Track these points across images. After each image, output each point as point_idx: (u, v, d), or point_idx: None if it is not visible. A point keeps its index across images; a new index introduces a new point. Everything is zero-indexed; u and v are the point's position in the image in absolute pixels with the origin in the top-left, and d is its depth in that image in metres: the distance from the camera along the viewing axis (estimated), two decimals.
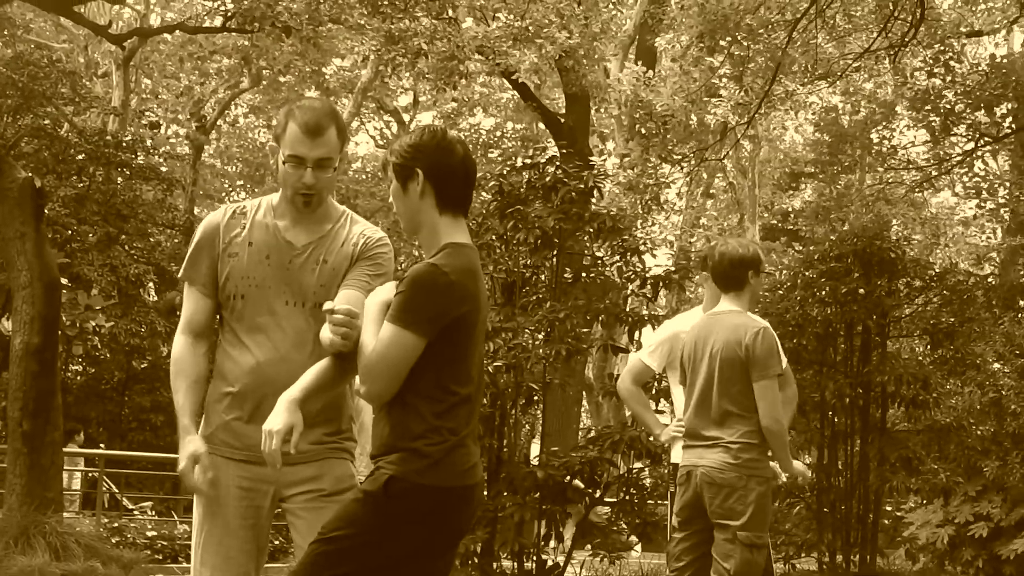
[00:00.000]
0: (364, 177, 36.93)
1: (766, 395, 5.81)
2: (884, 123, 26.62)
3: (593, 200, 11.48)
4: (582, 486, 10.50)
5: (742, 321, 5.91)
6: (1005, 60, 19.60)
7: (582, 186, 10.97)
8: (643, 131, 20.57)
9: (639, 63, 20.88)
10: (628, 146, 20.05)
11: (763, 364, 5.81)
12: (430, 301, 3.64)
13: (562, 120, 22.45)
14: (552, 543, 11.00)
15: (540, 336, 10.68)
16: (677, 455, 6.39)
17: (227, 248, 4.12)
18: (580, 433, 15.01)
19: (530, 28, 17.71)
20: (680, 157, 19.43)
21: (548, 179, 10.99)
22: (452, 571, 3.93)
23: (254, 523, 4.10)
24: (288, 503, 4.12)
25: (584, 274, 11.34)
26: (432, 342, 3.66)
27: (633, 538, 12.06)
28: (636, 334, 11.02)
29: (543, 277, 11.27)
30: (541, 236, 10.67)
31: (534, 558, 10.57)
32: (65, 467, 17.48)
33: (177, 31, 22.56)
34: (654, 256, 11.52)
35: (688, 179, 23.13)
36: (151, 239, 23.25)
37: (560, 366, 10.76)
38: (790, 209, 34.49)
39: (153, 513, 17.38)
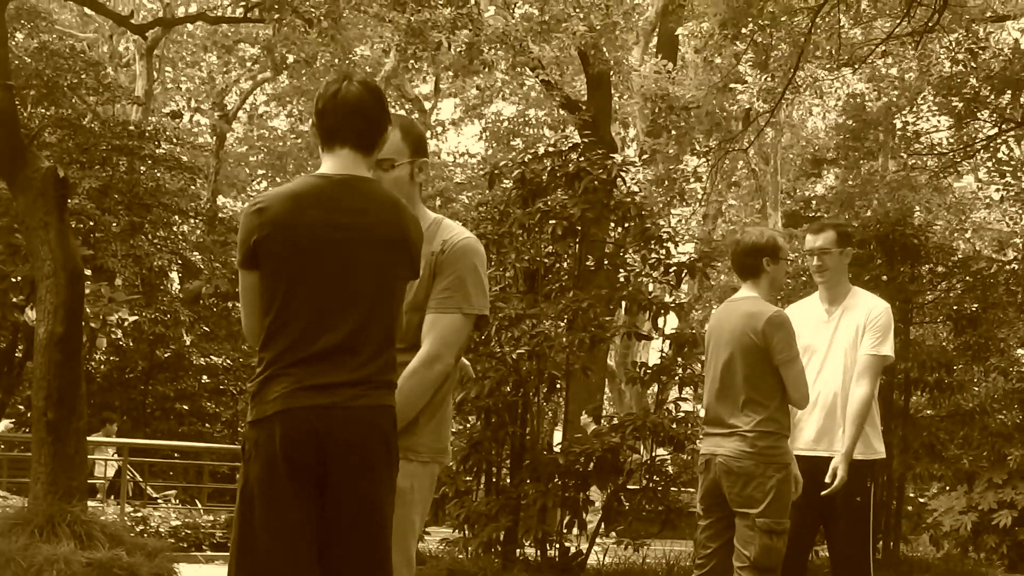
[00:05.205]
0: None
1: (790, 374, 5.83)
2: (908, 108, 26.46)
3: (616, 188, 11.49)
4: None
5: (757, 308, 5.93)
6: None
7: (604, 176, 10.97)
8: (667, 124, 20.47)
9: (659, 55, 20.80)
10: (656, 143, 19.96)
11: (781, 347, 5.82)
12: (240, 234, 3.67)
13: (583, 107, 22.39)
14: (575, 530, 11.01)
15: (563, 324, 10.69)
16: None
17: None
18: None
19: (550, 22, 17.57)
20: (706, 150, 19.34)
21: (571, 167, 11.00)
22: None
23: None
24: None
25: (606, 262, 11.34)
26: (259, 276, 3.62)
27: None
28: (660, 321, 11.02)
29: (566, 265, 11.27)
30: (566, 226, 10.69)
31: (557, 545, 10.58)
32: (98, 456, 17.70)
33: (199, 21, 22.62)
34: (676, 246, 11.50)
35: (712, 170, 23.02)
36: (174, 228, 23.30)
37: (583, 354, 10.76)
38: (812, 196, 34.35)
39: (177, 502, 17.44)
